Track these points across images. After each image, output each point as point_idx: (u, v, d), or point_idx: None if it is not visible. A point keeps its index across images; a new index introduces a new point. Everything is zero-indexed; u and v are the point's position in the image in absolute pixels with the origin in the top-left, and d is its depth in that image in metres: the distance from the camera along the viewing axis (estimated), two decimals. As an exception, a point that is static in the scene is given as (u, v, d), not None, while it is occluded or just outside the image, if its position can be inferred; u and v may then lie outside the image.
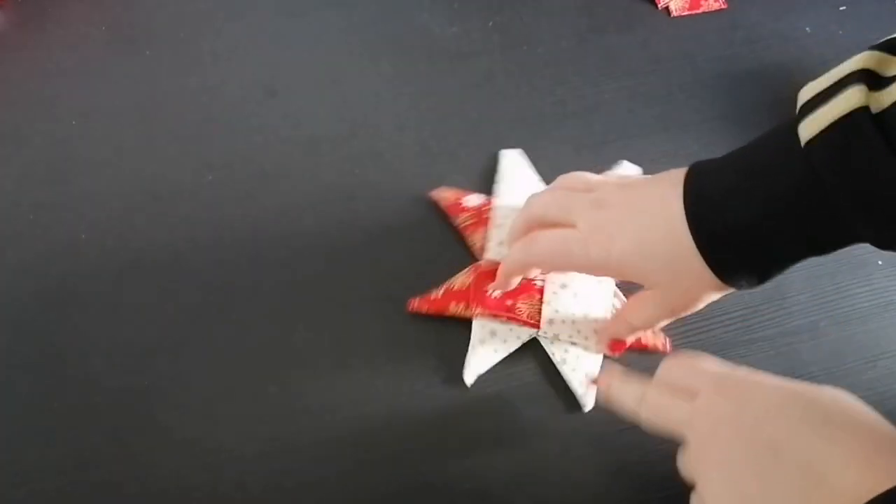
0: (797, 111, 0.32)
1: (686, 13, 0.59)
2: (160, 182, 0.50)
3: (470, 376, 0.43)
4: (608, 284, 0.45)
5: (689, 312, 0.39)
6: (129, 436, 0.42)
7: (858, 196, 0.30)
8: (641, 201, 0.37)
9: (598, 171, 0.43)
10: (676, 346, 0.45)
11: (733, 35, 0.57)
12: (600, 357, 0.44)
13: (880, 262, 0.48)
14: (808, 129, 0.31)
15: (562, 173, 0.42)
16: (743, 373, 0.33)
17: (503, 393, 0.44)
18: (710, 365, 0.34)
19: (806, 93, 0.33)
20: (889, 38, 0.32)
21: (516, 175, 0.50)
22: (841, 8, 0.59)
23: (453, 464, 0.42)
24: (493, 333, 0.44)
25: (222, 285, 0.47)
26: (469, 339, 0.44)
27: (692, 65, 0.56)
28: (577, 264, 0.39)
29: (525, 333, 0.44)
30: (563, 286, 0.44)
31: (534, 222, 0.41)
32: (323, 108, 0.54)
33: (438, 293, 0.45)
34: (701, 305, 0.38)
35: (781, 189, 0.32)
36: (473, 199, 0.48)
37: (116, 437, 0.42)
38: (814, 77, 0.34)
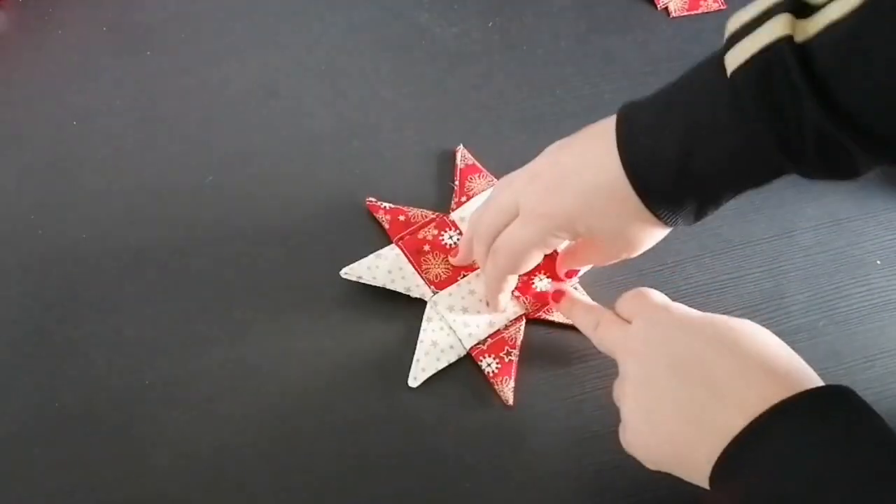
0: (724, 41, 0.32)
1: (685, 13, 0.59)
2: (160, 182, 0.50)
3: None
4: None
5: (632, 255, 0.39)
6: (129, 436, 0.43)
7: (779, 129, 0.30)
8: (574, 157, 0.37)
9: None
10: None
11: (733, 35, 0.57)
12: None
13: (878, 262, 0.48)
14: (733, 59, 0.31)
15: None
16: (676, 305, 0.37)
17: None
18: (655, 297, 0.38)
19: (733, 23, 0.32)
20: None
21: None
22: (840, 8, 0.59)
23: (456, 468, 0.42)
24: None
25: (222, 285, 0.47)
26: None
27: (692, 65, 0.56)
28: (534, 245, 0.39)
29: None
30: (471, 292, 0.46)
31: (486, 236, 0.41)
32: (323, 108, 0.54)
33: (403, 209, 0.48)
34: (645, 247, 0.39)
35: (707, 119, 0.32)
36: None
37: (116, 437, 0.42)
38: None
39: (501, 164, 0.50)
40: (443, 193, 0.50)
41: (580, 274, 0.46)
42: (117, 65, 0.55)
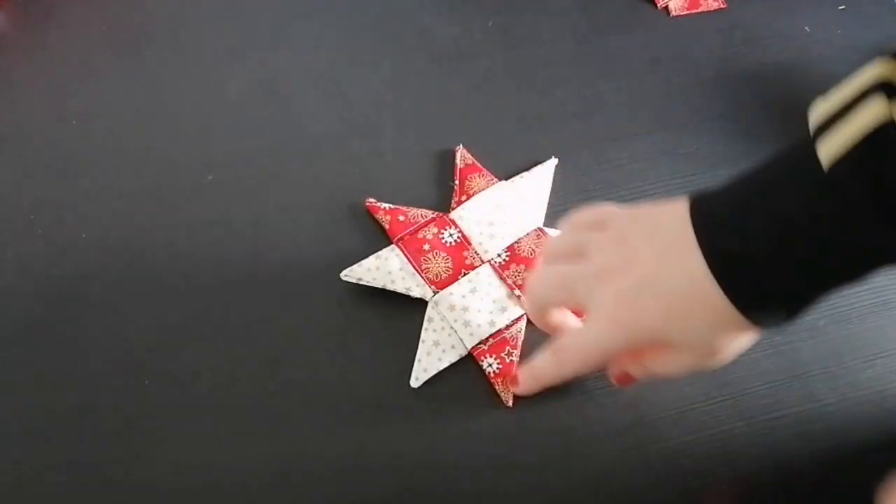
0: (811, 132, 0.29)
1: (685, 13, 0.59)
2: (160, 182, 0.50)
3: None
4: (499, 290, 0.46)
5: (715, 367, 0.35)
6: (129, 436, 0.42)
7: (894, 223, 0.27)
8: (650, 258, 0.34)
9: (599, 171, 0.43)
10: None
11: (733, 35, 0.57)
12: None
13: (880, 262, 0.48)
14: (830, 149, 0.28)
15: (562, 173, 0.42)
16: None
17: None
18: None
19: (819, 111, 0.29)
20: None
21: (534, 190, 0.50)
22: (840, 8, 0.59)
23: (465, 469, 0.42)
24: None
25: (222, 285, 0.47)
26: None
27: (692, 65, 0.56)
28: (611, 353, 0.36)
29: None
30: (473, 290, 0.45)
31: (540, 307, 0.39)
32: (323, 108, 0.54)
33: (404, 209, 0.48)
34: (731, 355, 0.35)
35: (802, 214, 0.29)
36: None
37: (116, 437, 0.42)
38: (812, 76, 0.33)
39: (501, 164, 0.50)
40: (443, 193, 0.50)
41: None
42: (117, 65, 0.55)
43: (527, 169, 0.50)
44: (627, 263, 0.34)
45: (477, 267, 0.46)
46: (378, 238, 0.48)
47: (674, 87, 0.55)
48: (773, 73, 0.55)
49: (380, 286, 0.45)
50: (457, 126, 0.53)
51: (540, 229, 0.48)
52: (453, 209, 0.48)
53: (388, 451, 0.42)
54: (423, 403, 0.43)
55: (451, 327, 0.44)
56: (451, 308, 0.45)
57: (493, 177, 0.49)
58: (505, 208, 0.48)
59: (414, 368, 0.43)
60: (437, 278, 0.46)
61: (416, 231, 0.47)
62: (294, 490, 0.41)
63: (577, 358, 0.37)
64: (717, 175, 0.51)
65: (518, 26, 0.58)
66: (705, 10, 0.59)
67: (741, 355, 0.36)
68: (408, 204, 0.49)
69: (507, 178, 0.50)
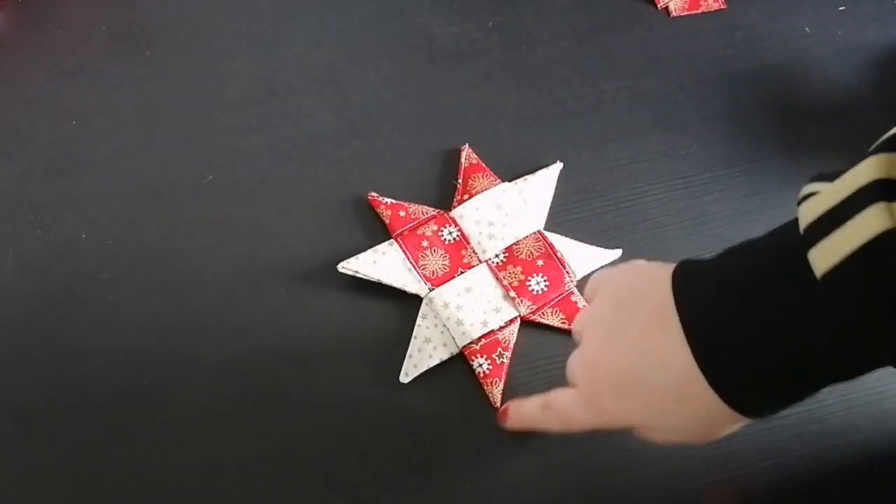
0: (801, 230, 0.27)
1: (686, 13, 0.59)
2: (160, 182, 0.50)
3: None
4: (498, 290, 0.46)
5: (702, 444, 0.34)
6: (129, 436, 0.43)
7: (892, 333, 0.25)
8: (634, 349, 0.33)
9: (599, 171, 0.42)
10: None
11: (733, 35, 0.57)
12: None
13: (880, 262, 0.48)
14: (823, 259, 0.26)
15: (562, 173, 0.42)
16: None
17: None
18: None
19: (810, 209, 0.27)
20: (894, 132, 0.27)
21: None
22: (840, 8, 0.59)
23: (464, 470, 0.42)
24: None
25: (222, 285, 0.47)
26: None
27: (692, 65, 0.56)
28: (589, 427, 0.36)
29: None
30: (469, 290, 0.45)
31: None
32: (323, 108, 0.54)
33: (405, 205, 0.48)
34: (718, 437, 0.33)
35: (798, 330, 0.28)
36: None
37: (116, 437, 0.42)
38: (812, 76, 0.31)
39: (501, 164, 0.50)
40: (443, 193, 0.50)
41: None
42: (117, 65, 0.55)
43: (526, 168, 0.50)
44: (612, 359, 0.33)
45: (474, 266, 0.46)
46: (377, 234, 0.48)
47: (674, 87, 0.55)
48: (773, 73, 0.55)
49: (376, 279, 0.45)
50: (456, 125, 0.53)
51: (540, 232, 0.48)
52: (454, 207, 0.48)
53: (376, 446, 0.42)
54: (411, 399, 0.43)
55: (444, 325, 0.44)
56: (445, 306, 0.45)
57: (496, 177, 0.49)
58: (506, 209, 0.48)
59: (404, 364, 0.44)
60: (433, 275, 0.46)
61: (416, 227, 0.47)
62: (295, 490, 0.41)
63: (562, 422, 0.37)
64: (716, 175, 0.51)
65: (518, 26, 0.58)
66: (705, 10, 0.59)
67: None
68: (407, 202, 0.49)
69: (505, 177, 0.50)
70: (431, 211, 0.48)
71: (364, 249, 0.47)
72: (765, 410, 0.31)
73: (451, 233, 0.47)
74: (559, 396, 0.37)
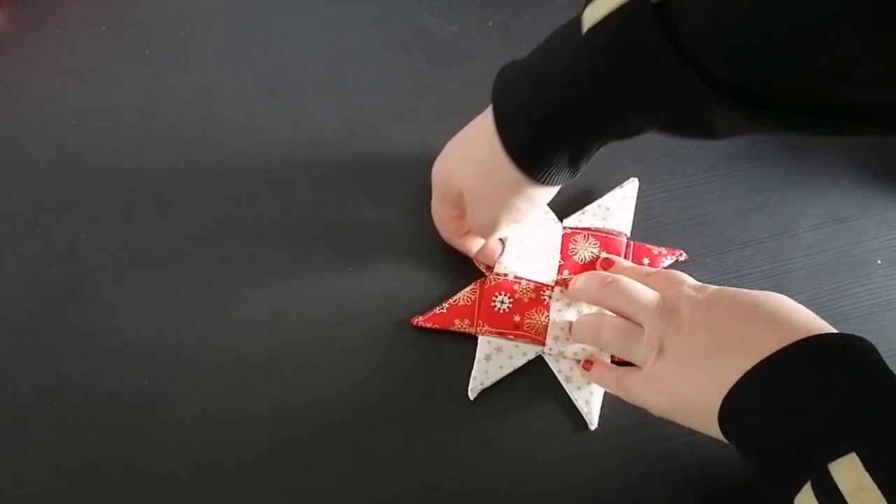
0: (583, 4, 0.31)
1: (686, 13, 0.58)
2: (160, 182, 0.50)
3: (474, 391, 0.43)
4: None
5: (519, 221, 0.41)
6: (129, 436, 0.43)
7: (634, 89, 0.29)
8: (471, 130, 0.41)
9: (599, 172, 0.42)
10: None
11: (733, 34, 0.57)
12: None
13: (879, 262, 0.48)
14: (590, 16, 0.30)
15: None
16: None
17: (508, 407, 0.44)
18: (688, 278, 0.41)
19: None
20: None
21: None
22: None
23: (455, 475, 0.42)
24: (499, 349, 0.44)
25: (222, 285, 0.47)
26: (474, 353, 0.44)
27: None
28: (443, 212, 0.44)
29: (531, 350, 0.44)
30: (568, 305, 0.45)
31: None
32: (323, 108, 0.53)
33: (443, 308, 0.45)
34: (530, 212, 0.41)
35: (563, 82, 0.32)
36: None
37: (116, 436, 0.42)
38: None
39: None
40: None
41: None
42: (117, 64, 0.55)
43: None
44: (459, 136, 0.43)
45: (548, 301, 0.46)
46: (379, 239, 0.48)
47: (674, 86, 0.55)
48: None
49: (506, 374, 0.44)
50: (457, 126, 0.53)
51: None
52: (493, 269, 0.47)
53: (374, 443, 0.42)
54: (411, 398, 0.43)
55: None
56: (563, 355, 0.44)
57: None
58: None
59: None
60: (537, 334, 0.45)
61: (483, 315, 0.45)
62: (295, 490, 0.41)
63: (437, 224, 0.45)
64: (717, 175, 0.51)
65: (518, 26, 0.57)
66: (706, 9, 0.59)
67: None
68: (411, 212, 0.49)
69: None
70: (471, 296, 0.46)
71: (364, 249, 0.47)
72: (545, 168, 0.36)
73: (503, 301, 0.45)
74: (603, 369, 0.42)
